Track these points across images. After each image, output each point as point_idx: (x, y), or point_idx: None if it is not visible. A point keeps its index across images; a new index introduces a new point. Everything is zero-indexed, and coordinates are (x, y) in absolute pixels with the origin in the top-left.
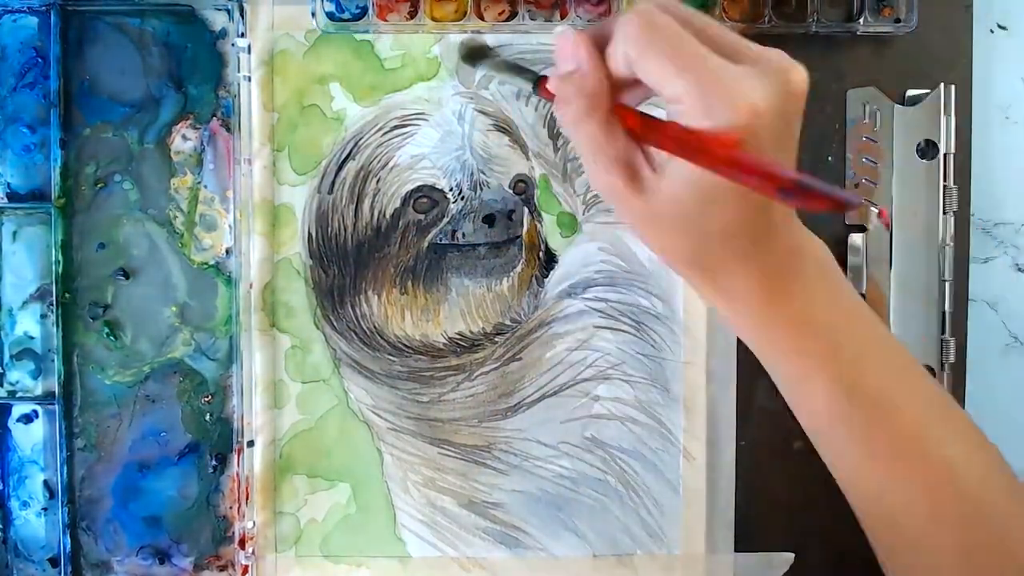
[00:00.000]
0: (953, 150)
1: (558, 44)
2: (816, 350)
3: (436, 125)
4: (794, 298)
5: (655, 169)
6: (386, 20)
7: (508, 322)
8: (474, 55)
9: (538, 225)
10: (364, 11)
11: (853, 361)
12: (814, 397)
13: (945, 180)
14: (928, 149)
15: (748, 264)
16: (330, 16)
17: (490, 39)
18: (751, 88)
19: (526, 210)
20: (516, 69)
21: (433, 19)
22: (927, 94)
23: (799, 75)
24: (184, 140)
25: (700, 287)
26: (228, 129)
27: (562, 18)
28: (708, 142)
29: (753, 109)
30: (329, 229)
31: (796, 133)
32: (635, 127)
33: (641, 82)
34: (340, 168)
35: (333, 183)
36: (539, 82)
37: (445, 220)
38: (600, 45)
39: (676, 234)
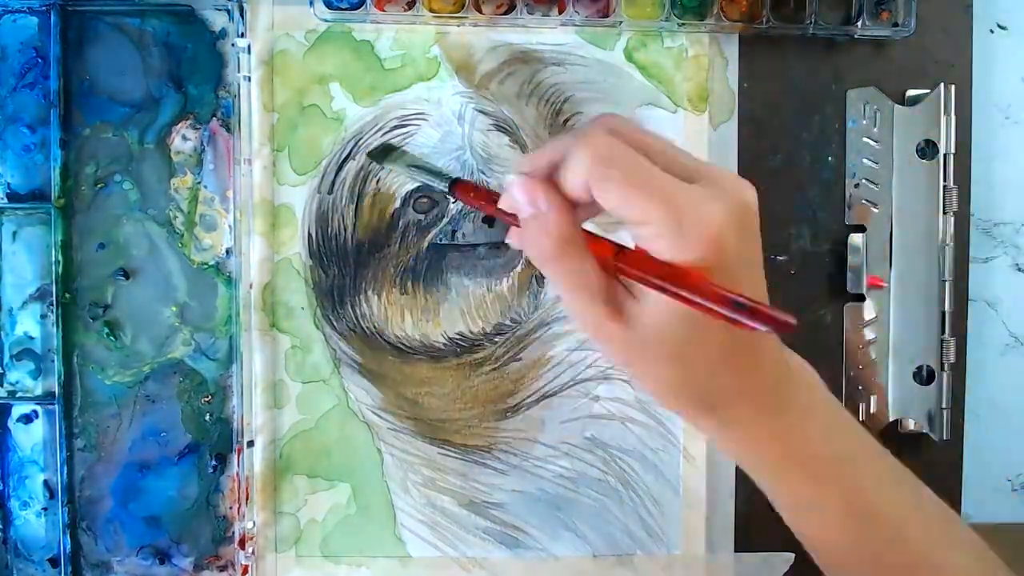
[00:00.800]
0: (953, 150)
1: (511, 191)
2: (821, 477)
3: (436, 125)
4: (792, 426)
5: (636, 297)
6: (384, 11)
7: (508, 322)
8: (381, 154)
9: None
10: (362, 1)
11: (861, 487)
12: (824, 525)
13: (945, 180)
14: (928, 149)
15: (741, 393)
16: (327, 4)
17: (484, 38)
18: (712, 211)
19: None
20: (427, 171)
21: (431, 11)
22: (927, 94)
23: (751, 191)
24: (184, 140)
25: (697, 420)
26: (228, 129)
27: (560, 12)
28: (679, 273)
29: (718, 233)
30: (329, 229)
31: (758, 245)
32: (608, 258)
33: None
34: (340, 168)
35: (333, 183)
36: (454, 186)
37: (445, 220)
38: (551, 169)
39: (665, 364)
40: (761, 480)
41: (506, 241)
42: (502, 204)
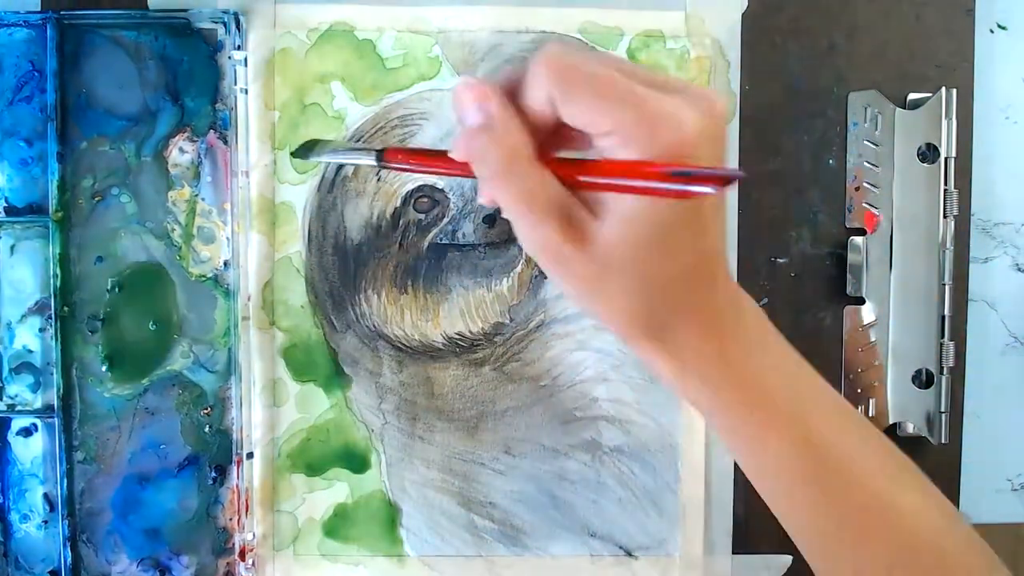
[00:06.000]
0: (954, 154)
1: (458, 96)
2: (765, 404)
3: (437, 124)
4: (739, 349)
5: (597, 216)
6: None
7: (508, 322)
8: (306, 149)
9: None
10: None
11: (801, 414)
12: (765, 452)
13: (946, 184)
14: (929, 153)
15: (693, 315)
16: None
17: (485, 37)
18: (686, 118)
19: None
20: (351, 151)
21: None
22: (928, 98)
23: (722, 102)
24: (181, 153)
25: (646, 348)
26: (225, 142)
27: None
28: (647, 167)
29: (692, 141)
30: (329, 228)
31: (723, 155)
32: (566, 172)
33: (559, 131)
34: (340, 167)
35: (333, 182)
36: (382, 156)
37: (445, 220)
38: (508, 88)
39: (621, 286)
40: (709, 409)
41: (449, 154)
42: (462, 111)
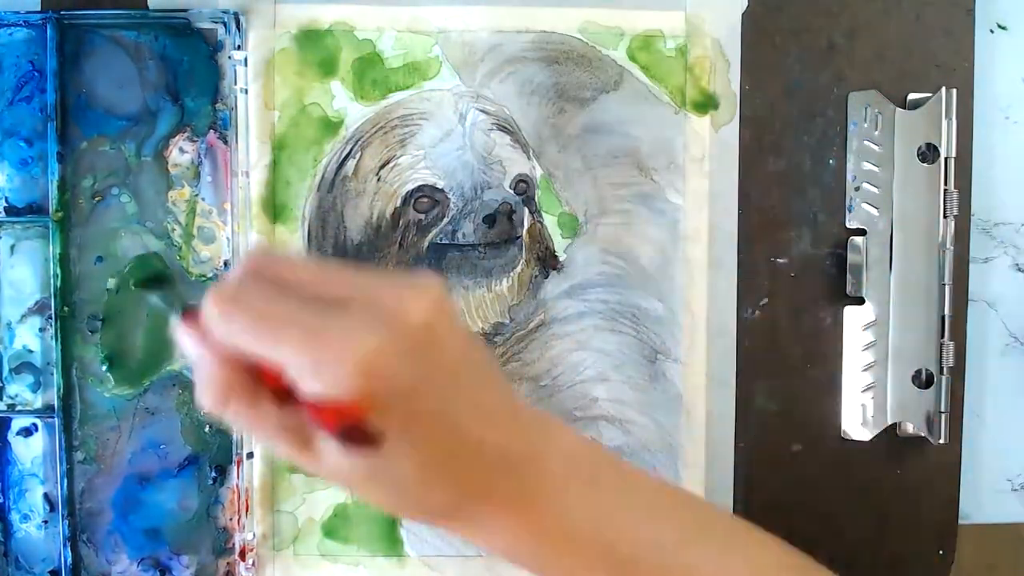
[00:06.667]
0: (954, 154)
1: (177, 338)
2: (590, 553)
3: (437, 125)
4: (549, 509)
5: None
6: None
7: (508, 323)
8: (152, 282)
9: (539, 225)
10: None
11: (627, 558)
12: None
13: (946, 184)
14: (929, 153)
15: (488, 493)
16: None
17: (485, 37)
18: (359, 340)
19: (527, 210)
20: (171, 299)
21: None
22: (928, 98)
23: (421, 303)
24: (181, 153)
25: (447, 527)
26: (225, 142)
27: None
28: (325, 409)
29: (372, 362)
30: (329, 228)
31: (457, 351)
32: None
33: None
34: (340, 167)
35: (333, 182)
36: (185, 312)
37: (445, 220)
38: None
39: (393, 481)
40: (528, 565)
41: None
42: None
